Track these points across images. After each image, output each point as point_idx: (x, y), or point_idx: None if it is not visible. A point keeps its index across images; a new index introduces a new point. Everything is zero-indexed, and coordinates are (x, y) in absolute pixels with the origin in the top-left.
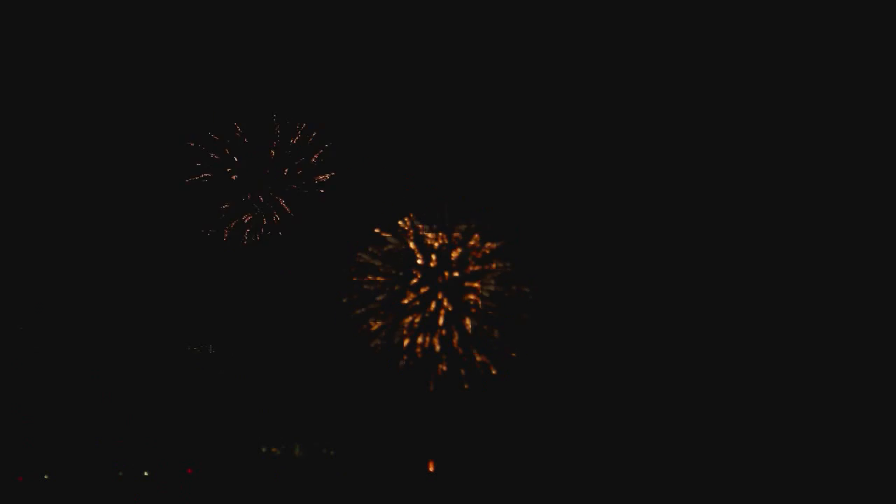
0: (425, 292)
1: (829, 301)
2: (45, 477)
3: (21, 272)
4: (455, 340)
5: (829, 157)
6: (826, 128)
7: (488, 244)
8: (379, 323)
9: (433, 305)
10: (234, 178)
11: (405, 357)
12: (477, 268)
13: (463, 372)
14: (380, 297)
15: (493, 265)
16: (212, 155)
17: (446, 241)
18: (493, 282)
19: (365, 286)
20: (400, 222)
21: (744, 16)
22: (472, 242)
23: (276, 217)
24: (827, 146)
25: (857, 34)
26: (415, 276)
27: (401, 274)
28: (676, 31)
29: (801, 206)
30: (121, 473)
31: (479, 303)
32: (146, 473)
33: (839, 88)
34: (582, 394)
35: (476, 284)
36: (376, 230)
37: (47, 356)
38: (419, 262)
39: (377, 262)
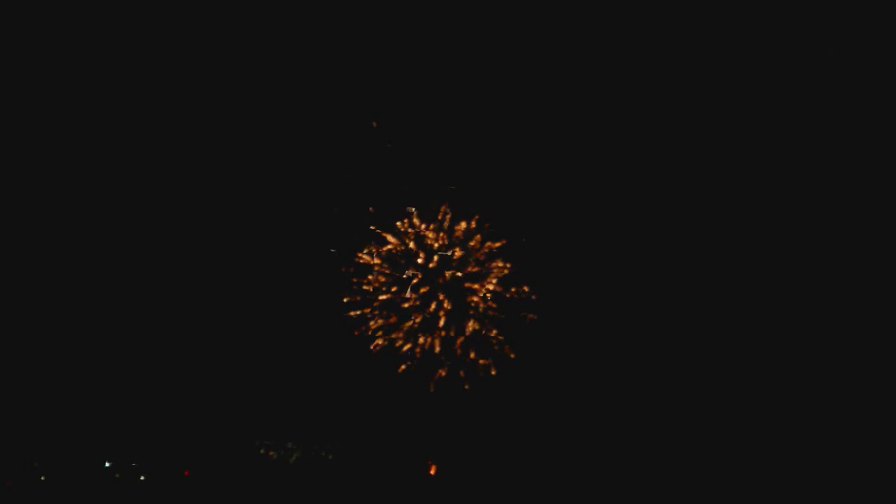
0: (425, 292)
1: (829, 302)
2: (42, 478)
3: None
4: (456, 342)
5: (829, 158)
6: (825, 128)
7: (489, 244)
8: (379, 323)
9: (433, 306)
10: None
11: (405, 358)
12: (477, 268)
13: (463, 373)
14: (380, 297)
15: (494, 265)
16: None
17: (446, 241)
18: (494, 282)
19: (365, 286)
20: (399, 223)
21: (743, 16)
22: (472, 243)
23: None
24: (826, 146)
25: (857, 34)
26: (415, 276)
27: (401, 274)
28: (676, 31)
29: (800, 207)
30: (118, 475)
31: (480, 304)
32: (142, 478)
33: (838, 89)
34: (583, 395)
35: (477, 285)
36: (377, 230)
37: (47, 356)
38: (419, 262)
39: (377, 262)
